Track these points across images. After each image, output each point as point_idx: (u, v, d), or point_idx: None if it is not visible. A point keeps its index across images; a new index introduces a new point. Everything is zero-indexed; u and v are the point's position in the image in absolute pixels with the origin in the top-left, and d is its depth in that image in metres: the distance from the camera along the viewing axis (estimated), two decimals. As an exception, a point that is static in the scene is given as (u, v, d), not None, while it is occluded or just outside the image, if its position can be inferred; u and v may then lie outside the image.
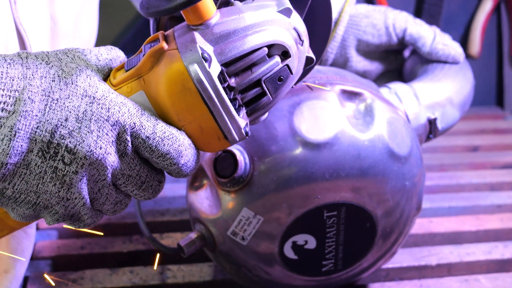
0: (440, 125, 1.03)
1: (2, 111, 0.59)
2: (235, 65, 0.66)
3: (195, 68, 0.63)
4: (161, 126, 0.64)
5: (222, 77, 0.65)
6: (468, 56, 1.70)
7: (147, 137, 0.64)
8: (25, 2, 0.88)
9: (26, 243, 0.98)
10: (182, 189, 1.26)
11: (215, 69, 0.65)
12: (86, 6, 1.03)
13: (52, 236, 1.15)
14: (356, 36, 1.12)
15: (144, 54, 0.66)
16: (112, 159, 0.63)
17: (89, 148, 0.62)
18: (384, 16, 1.11)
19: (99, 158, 0.62)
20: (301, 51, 0.70)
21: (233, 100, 0.66)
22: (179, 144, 0.65)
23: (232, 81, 0.66)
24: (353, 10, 1.13)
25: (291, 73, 0.69)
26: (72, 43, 1.00)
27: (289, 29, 0.68)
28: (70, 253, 1.10)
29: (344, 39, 1.13)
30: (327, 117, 0.88)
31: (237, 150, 0.87)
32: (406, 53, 1.17)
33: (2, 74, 0.60)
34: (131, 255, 1.11)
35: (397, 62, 1.17)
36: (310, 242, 0.91)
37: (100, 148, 0.62)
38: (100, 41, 1.13)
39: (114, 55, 0.69)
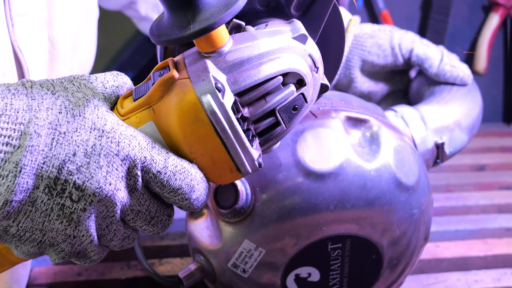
0: (447, 149, 1.01)
1: (7, 145, 0.56)
2: (249, 95, 0.63)
3: (208, 99, 0.60)
4: (173, 160, 0.61)
5: (235, 107, 0.62)
6: (474, 72, 1.68)
7: (158, 171, 0.61)
8: (23, 25, 0.85)
9: (22, 272, 0.95)
10: (181, 212, 1.22)
11: (228, 99, 0.61)
12: (85, 27, 1.01)
13: (48, 261, 1.12)
14: (361, 57, 1.10)
15: (153, 83, 0.62)
16: (121, 195, 0.60)
17: (98, 185, 0.59)
18: (390, 36, 1.09)
19: (109, 194, 0.59)
20: (316, 79, 0.67)
21: (246, 131, 0.63)
22: (191, 179, 0.62)
23: (246, 111, 0.63)
24: (357, 30, 1.10)
25: (306, 102, 0.66)
26: (71, 65, 0.97)
27: (304, 56, 0.65)
28: (66, 280, 1.07)
29: (349, 59, 1.10)
30: (332, 145, 0.85)
31: (239, 180, 0.84)
32: (412, 73, 1.15)
33: (6, 106, 0.56)
34: (129, 282, 1.08)
35: (402, 83, 1.15)
36: (313, 274, 0.88)
37: (110, 184, 0.59)
38: (98, 53, 1.11)
39: (120, 81, 0.65)
